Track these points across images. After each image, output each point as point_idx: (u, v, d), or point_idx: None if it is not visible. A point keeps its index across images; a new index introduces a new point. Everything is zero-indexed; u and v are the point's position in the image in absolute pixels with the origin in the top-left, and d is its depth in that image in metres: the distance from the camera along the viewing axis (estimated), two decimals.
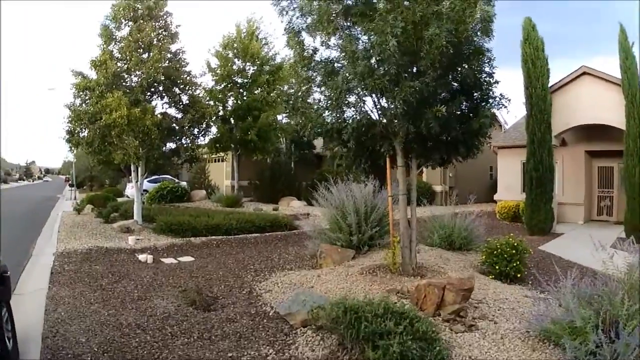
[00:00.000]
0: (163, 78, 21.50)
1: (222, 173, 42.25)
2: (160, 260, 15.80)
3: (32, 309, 10.12)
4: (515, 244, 12.36)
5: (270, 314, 9.59)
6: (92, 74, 21.99)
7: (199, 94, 24.59)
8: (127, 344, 8.14)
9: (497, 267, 12.10)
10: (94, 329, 8.81)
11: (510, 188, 28.06)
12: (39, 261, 15.68)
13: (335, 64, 11.10)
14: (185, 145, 23.90)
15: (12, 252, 16.50)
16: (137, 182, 23.55)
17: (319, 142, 41.80)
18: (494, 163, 33.10)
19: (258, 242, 19.50)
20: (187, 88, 23.35)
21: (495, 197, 29.51)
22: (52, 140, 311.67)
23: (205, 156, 37.04)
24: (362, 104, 11.05)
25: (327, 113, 11.55)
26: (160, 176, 41.13)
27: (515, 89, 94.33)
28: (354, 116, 11.14)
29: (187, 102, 23.32)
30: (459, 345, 7.63)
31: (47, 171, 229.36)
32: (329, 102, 11.12)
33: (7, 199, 55.03)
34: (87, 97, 21.68)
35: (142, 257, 15.90)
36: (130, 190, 35.13)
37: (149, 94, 22.37)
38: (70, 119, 21.84)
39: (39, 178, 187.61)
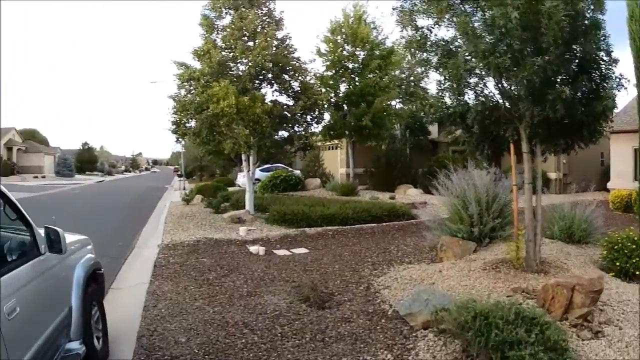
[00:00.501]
0: (271, 65, 20.80)
1: (337, 161, 41.72)
2: (273, 252, 15.14)
3: (129, 305, 9.71)
4: (636, 239, 11.04)
5: (389, 313, 8.75)
6: (196, 64, 21.85)
7: (309, 80, 23.79)
8: (232, 345, 7.55)
9: (617, 264, 10.87)
10: (196, 327, 8.28)
11: (623, 175, 26.54)
12: (142, 253, 15.46)
13: (451, 45, 10.30)
14: (298, 133, 23.27)
15: (114, 244, 16.74)
16: (248, 171, 23.21)
17: (433, 128, 41.81)
18: (604, 149, 31.25)
19: (375, 232, 18.53)
20: (297, 75, 22.63)
21: (609, 185, 27.90)
22: (159, 132, 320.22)
23: (319, 144, 36.42)
24: (483, 86, 10.19)
25: (447, 96, 10.73)
26: (273, 165, 40.71)
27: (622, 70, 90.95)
28: (478, 99, 10.30)
29: (298, 89, 22.61)
30: (585, 354, 6.73)
31: (155, 162, 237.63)
32: (450, 84, 10.30)
33: (111, 189, 56.38)
34: (192, 88, 21.55)
35: (253, 248, 15.29)
36: (242, 179, 34.86)
37: (257, 81, 21.83)
38: (175, 109, 21.76)
39: (147, 169, 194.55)
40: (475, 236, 13.57)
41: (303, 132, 23.43)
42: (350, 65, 34.13)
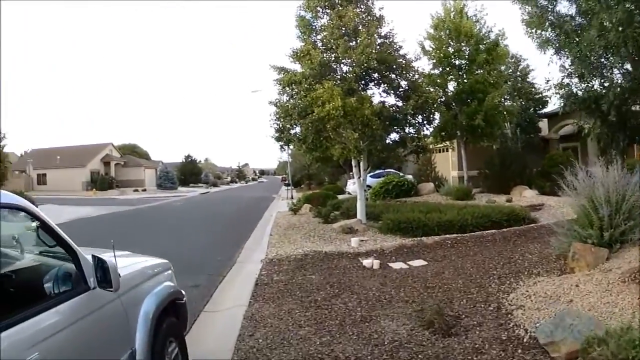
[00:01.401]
0: (377, 63, 19.69)
1: (448, 163, 40.17)
2: (388, 266, 13.84)
3: (221, 334, 8.73)
4: None
5: (525, 340, 7.35)
6: (296, 67, 21.10)
7: (417, 79, 22.45)
8: None
9: None
10: None
11: None
12: (243, 269, 14.62)
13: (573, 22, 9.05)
14: (410, 135, 22.10)
15: (213, 260, 16.15)
16: (359, 177, 22.02)
17: (543, 125, 40.22)
18: None
19: (496, 239, 16.88)
20: (404, 73, 21.44)
21: None
22: (265, 142, 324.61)
23: (430, 146, 34.89)
24: (621, 64, 8.87)
25: (573, 82, 9.48)
26: (384, 170, 39.92)
27: None
28: (615, 81, 9.00)
29: (407, 87, 21.44)
30: None
31: (262, 172, 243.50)
32: (577, 66, 9.04)
33: (214, 201, 56.53)
34: (293, 92, 20.67)
35: (366, 262, 13.99)
36: (352, 186, 34.29)
37: (363, 82, 20.92)
38: (277, 115, 21.00)
39: (253, 179, 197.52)
40: (606, 241, 11.91)
41: (415, 134, 22.25)
42: (457, 62, 32.71)
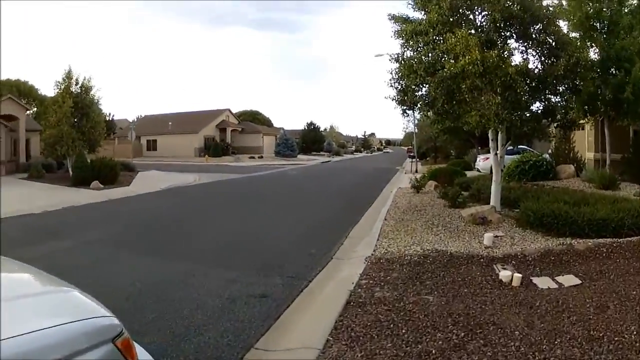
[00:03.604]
0: (518, 9, 15.78)
1: (584, 143, 34.65)
2: (532, 283, 9.83)
3: None
4: None
5: None
6: (419, 15, 17.50)
7: (565, 34, 18.39)
8: None
9: None
10: None
11: None
12: (338, 272, 11.06)
13: None
14: (559, 104, 17.78)
15: (304, 252, 13.14)
16: (495, 154, 18.10)
17: None
18: None
19: None
20: (551, 26, 17.06)
21: None
22: (392, 112, 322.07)
23: (580, 121, 29.93)
24: None
25: None
26: (519, 147, 35.41)
27: None
28: None
29: (554, 44, 17.01)
30: None
31: (388, 142, 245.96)
32: None
33: (333, 170, 54.22)
34: (419, 44, 16.81)
35: (504, 275, 10.06)
36: (482, 163, 30.99)
37: (506, 33, 16.90)
38: (400, 74, 17.06)
39: (378, 149, 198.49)
40: None
41: (566, 103, 17.90)
42: (598, 25, 27.91)
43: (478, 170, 36.10)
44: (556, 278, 10.16)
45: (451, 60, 15.03)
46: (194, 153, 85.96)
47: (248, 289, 9.53)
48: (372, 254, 12.00)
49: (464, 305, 8.32)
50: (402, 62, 17.08)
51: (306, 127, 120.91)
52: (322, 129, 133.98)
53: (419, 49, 16.88)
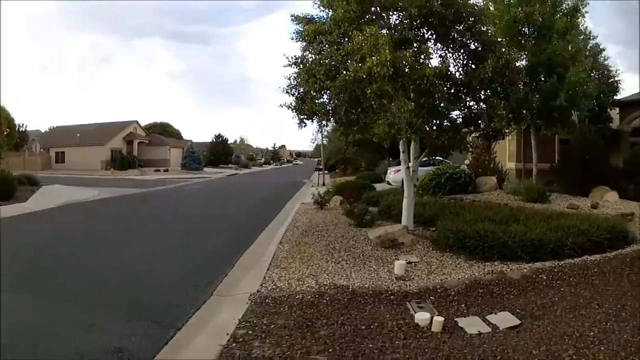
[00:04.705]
0: (439, 4, 13.95)
1: (505, 153, 33.97)
2: (458, 326, 7.95)
3: None
4: None
5: None
6: (323, 15, 15.90)
7: (493, 34, 16.79)
8: None
9: None
10: None
11: None
12: (215, 314, 9.12)
13: None
14: (484, 112, 15.95)
15: (182, 287, 11.11)
16: (407, 167, 16.38)
17: (614, 114, 34.34)
18: None
19: (604, 272, 10.75)
20: (477, 26, 15.45)
21: None
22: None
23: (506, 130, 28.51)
24: None
25: None
26: (433, 158, 32.82)
27: None
28: None
29: (479, 46, 15.49)
30: None
31: (299, 154, 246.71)
32: None
33: (238, 184, 54.25)
34: (323, 46, 14.97)
35: (420, 317, 8.10)
36: (393, 175, 29.89)
37: (424, 32, 15.06)
38: (299, 79, 15.28)
39: (288, 161, 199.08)
40: None
41: (493, 110, 15.84)
42: (527, 30, 26.93)
43: (389, 184, 35.11)
44: (488, 317, 8.37)
45: (357, 63, 13.14)
46: (101, 166, 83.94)
47: (105, 339, 7.47)
48: (257, 290, 10.09)
49: None
50: (301, 65, 15.40)
51: (214, 140, 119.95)
52: (231, 141, 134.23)
53: (322, 51, 15.06)
